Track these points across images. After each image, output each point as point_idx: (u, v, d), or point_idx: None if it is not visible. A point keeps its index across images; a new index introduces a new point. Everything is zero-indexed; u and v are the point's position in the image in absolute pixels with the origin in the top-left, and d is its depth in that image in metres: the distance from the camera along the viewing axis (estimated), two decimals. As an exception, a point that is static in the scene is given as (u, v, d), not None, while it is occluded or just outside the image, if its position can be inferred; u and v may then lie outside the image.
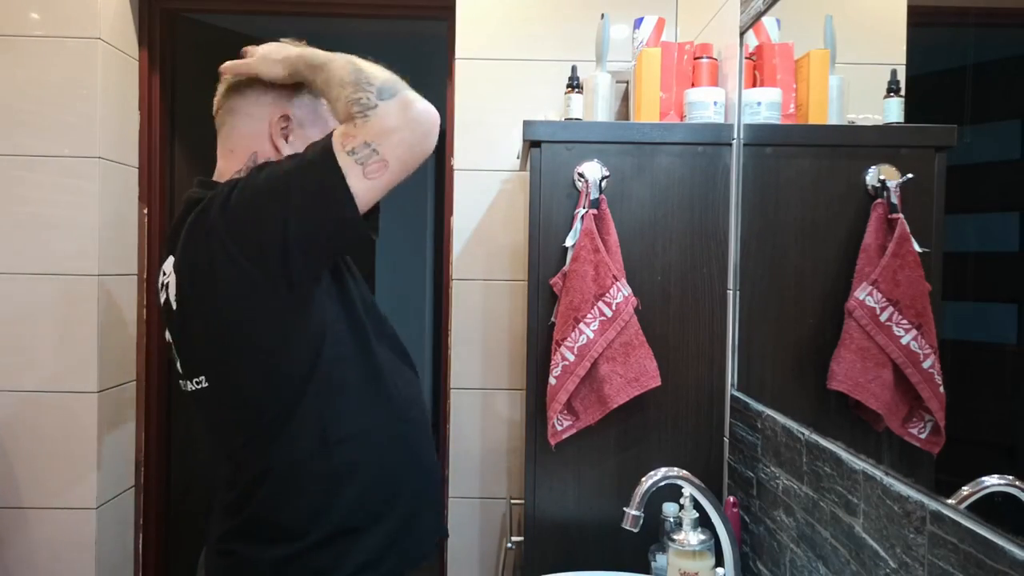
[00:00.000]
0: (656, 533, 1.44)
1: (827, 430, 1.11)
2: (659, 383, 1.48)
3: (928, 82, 0.96)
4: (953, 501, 0.81)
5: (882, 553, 0.92)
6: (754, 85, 1.45)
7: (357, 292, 1.24)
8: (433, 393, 3.62)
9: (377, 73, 1.10)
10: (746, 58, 1.48)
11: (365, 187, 1.05)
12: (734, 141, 1.52)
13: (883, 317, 1.01)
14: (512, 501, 1.92)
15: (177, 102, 2.32)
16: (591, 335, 1.45)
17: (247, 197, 1.08)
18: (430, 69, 3.29)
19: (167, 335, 1.24)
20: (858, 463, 1.00)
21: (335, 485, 1.15)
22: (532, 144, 1.54)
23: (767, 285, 1.40)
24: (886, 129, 1.04)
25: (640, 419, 1.53)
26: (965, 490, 0.80)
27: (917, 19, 0.96)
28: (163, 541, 2.31)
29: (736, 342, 1.50)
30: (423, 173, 3.60)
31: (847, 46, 1.20)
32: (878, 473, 0.95)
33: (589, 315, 1.45)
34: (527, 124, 1.54)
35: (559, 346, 1.46)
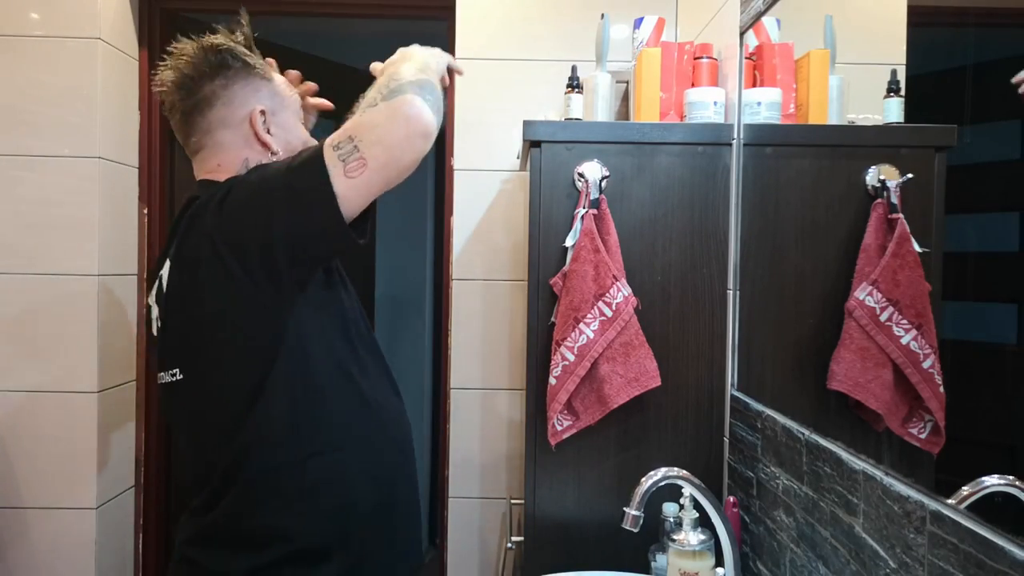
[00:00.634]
0: (656, 533, 1.44)
1: (827, 430, 1.11)
2: (659, 383, 1.48)
3: (928, 82, 0.96)
4: (953, 501, 0.81)
5: (882, 553, 0.92)
6: (754, 85, 1.45)
7: (348, 307, 1.23)
8: (433, 393, 3.62)
9: (406, 74, 1.13)
10: (746, 58, 1.48)
11: (347, 186, 1.04)
12: (734, 141, 1.52)
13: (883, 317, 1.01)
14: (512, 501, 1.92)
15: (177, 102, 2.32)
16: (591, 335, 1.45)
17: (240, 196, 1.09)
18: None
19: (153, 329, 1.22)
20: (858, 463, 1.00)
21: (303, 500, 1.12)
22: (532, 144, 1.54)
23: (767, 285, 1.40)
24: (886, 129, 1.04)
25: (640, 419, 1.53)
26: (965, 490, 0.80)
27: (917, 19, 0.96)
28: (163, 541, 2.31)
29: (736, 342, 1.50)
30: (423, 173, 3.60)
31: (847, 46, 1.20)
32: (878, 473, 0.95)
33: (589, 315, 1.45)
34: (527, 124, 1.54)
35: (559, 346, 1.46)
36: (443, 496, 2.14)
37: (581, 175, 1.51)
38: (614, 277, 1.45)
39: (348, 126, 1.07)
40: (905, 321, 0.98)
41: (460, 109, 2.08)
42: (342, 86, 2.83)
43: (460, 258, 2.09)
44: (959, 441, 0.88)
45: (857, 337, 1.05)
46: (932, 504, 0.83)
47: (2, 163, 1.97)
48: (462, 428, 2.10)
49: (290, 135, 1.27)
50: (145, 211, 2.20)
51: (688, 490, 1.29)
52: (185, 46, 1.22)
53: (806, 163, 1.30)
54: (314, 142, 1.25)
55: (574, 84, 1.63)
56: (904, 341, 0.97)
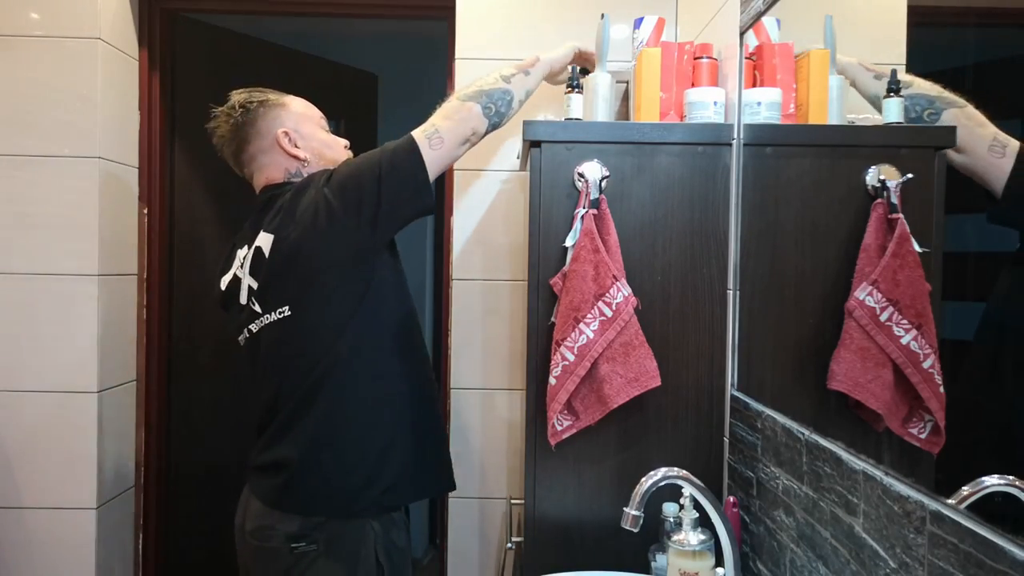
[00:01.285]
0: (656, 533, 1.44)
1: (827, 430, 1.11)
2: (659, 383, 1.48)
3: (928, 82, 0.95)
4: (953, 501, 0.81)
5: (882, 553, 0.92)
6: (754, 85, 1.45)
7: (406, 284, 1.60)
8: (433, 393, 3.61)
9: (491, 82, 1.58)
10: (746, 58, 1.48)
11: (431, 156, 1.47)
12: (734, 141, 1.52)
13: (883, 317, 1.01)
14: (512, 501, 1.92)
15: (177, 102, 2.32)
16: (591, 335, 1.45)
17: (348, 170, 1.47)
18: (430, 69, 3.29)
19: (246, 288, 1.53)
20: (858, 463, 1.00)
21: (378, 412, 1.47)
22: (532, 144, 1.55)
23: (767, 285, 1.40)
24: (886, 129, 1.04)
25: (640, 419, 1.53)
26: (965, 490, 0.80)
27: (917, 19, 0.96)
28: (163, 541, 2.31)
29: (736, 342, 1.50)
30: (423, 173, 3.60)
31: (847, 46, 1.20)
32: (878, 473, 0.95)
33: (589, 315, 1.45)
34: (527, 124, 1.54)
35: (559, 346, 1.46)
36: (443, 496, 2.14)
37: (581, 175, 1.51)
38: (614, 277, 1.45)
39: (434, 119, 1.53)
40: (905, 321, 0.98)
41: (460, 109, 2.08)
42: (341, 86, 2.85)
43: (460, 258, 2.09)
44: (959, 441, 0.88)
45: (857, 337, 1.05)
46: (932, 504, 0.83)
47: (2, 163, 1.97)
48: (462, 428, 2.10)
49: (313, 142, 1.60)
50: (145, 211, 2.20)
51: (688, 490, 1.29)
52: (219, 111, 1.60)
53: (806, 163, 1.30)
54: (336, 139, 1.65)
55: (574, 84, 1.63)
56: (904, 341, 0.97)
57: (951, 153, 0.88)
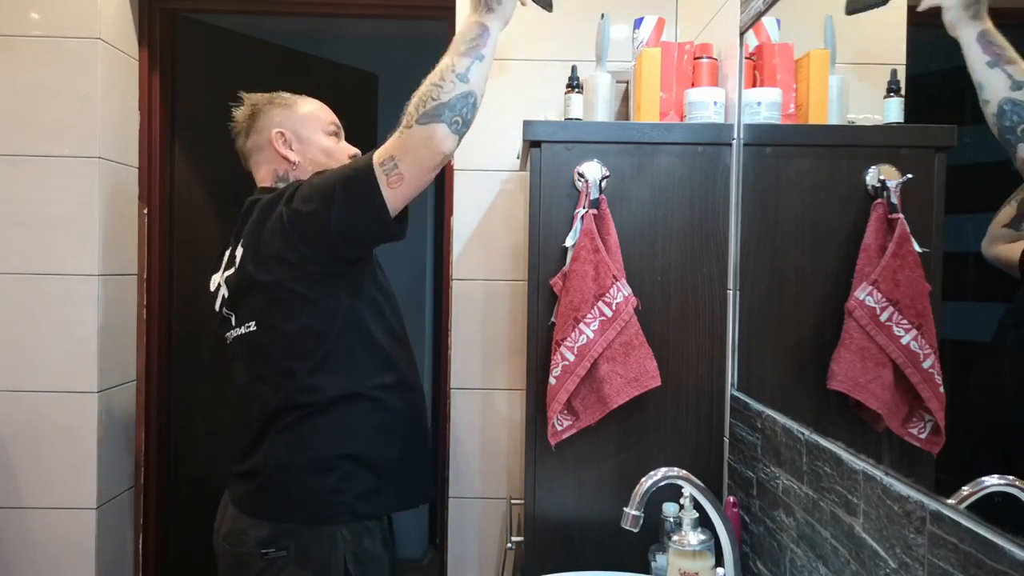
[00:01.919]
0: (656, 533, 1.44)
1: (827, 430, 1.11)
2: (659, 383, 1.48)
3: (928, 82, 0.96)
4: (953, 501, 0.81)
5: (882, 553, 0.92)
6: (754, 85, 1.45)
7: (385, 289, 1.56)
8: (433, 393, 3.62)
9: (448, 88, 1.33)
10: (746, 58, 1.48)
11: (391, 195, 1.33)
12: (734, 141, 1.52)
13: (883, 317, 1.01)
14: (512, 501, 1.92)
15: (177, 102, 2.32)
16: (591, 335, 1.45)
17: (304, 192, 1.38)
18: (430, 69, 3.29)
19: (221, 297, 1.53)
20: (858, 463, 1.00)
21: (350, 423, 1.44)
22: (532, 144, 1.54)
23: (767, 285, 1.40)
24: (886, 129, 1.04)
25: (640, 419, 1.53)
26: (965, 490, 0.80)
27: (917, 19, 0.96)
28: (163, 541, 2.31)
29: (736, 342, 1.50)
30: (423, 173, 3.60)
31: (847, 46, 1.20)
32: (878, 473, 0.95)
33: (589, 315, 1.45)
34: (527, 124, 1.54)
35: (559, 346, 1.46)
36: (443, 496, 2.14)
37: (581, 175, 1.51)
38: (614, 277, 1.45)
39: (390, 145, 1.33)
40: (905, 321, 0.98)
41: (460, 109, 2.08)
42: (341, 86, 2.84)
43: (460, 258, 2.09)
44: (959, 441, 0.88)
45: (857, 337, 1.05)
46: (932, 504, 0.83)
47: (2, 163, 1.97)
48: (462, 428, 2.10)
49: (309, 147, 1.54)
50: (145, 211, 2.20)
51: (688, 490, 1.28)
52: (243, 99, 1.59)
53: (806, 163, 1.30)
54: (340, 147, 1.59)
55: (574, 84, 1.63)
56: (904, 341, 0.97)
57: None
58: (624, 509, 1.21)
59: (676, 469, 1.25)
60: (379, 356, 1.47)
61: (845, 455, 1.03)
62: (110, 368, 2.06)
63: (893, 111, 1.01)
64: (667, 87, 1.60)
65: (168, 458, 2.33)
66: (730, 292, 1.52)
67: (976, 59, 0.81)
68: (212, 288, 1.57)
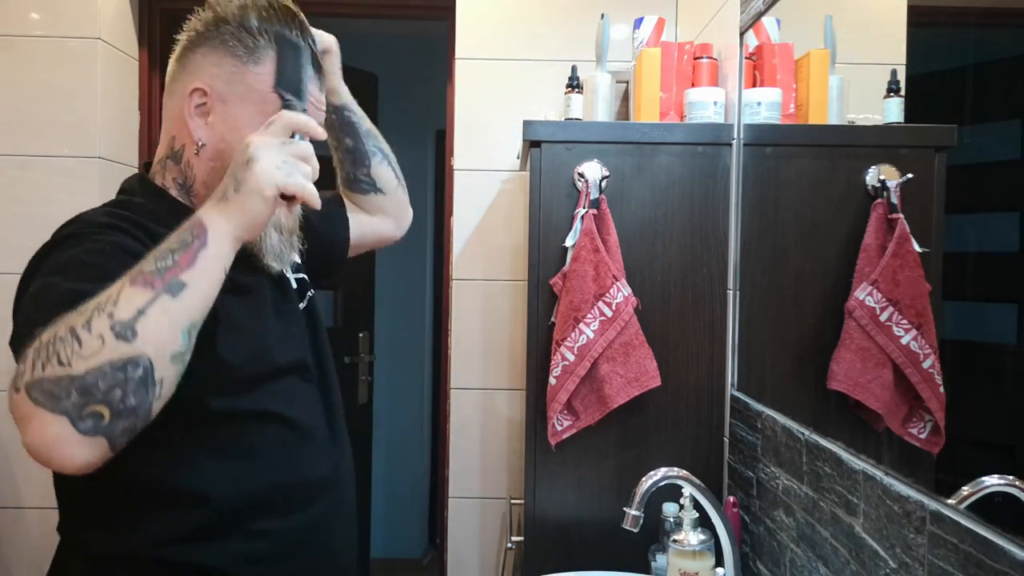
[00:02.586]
0: (656, 533, 1.44)
1: (827, 430, 1.11)
2: (659, 383, 1.48)
3: (928, 82, 0.96)
4: (953, 501, 0.81)
5: (882, 553, 0.92)
6: (754, 85, 1.45)
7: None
8: (433, 393, 3.62)
9: (91, 344, 0.74)
10: (746, 58, 1.48)
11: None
12: (734, 141, 1.52)
13: (883, 317, 1.01)
14: (512, 501, 1.92)
15: (177, 102, 2.32)
16: (591, 335, 1.45)
17: (18, 290, 0.97)
18: (430, 69, 3.29)
19: None
20: (858, 463, 1.00)
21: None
22: (532, 144, 1.54)
23: (767, 285, 1.40)
24: (886, 129, 1.04)
25: (640, 419, 1.53)
26: (965, 490, 0.80)
27: (917, 19, 0.96)
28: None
29: (736, 342, 1.50)
30: (423, 173, 3.61)
31: (847, 46, 1.20)
32: (878, 473, 0.95)
33: (589, 315, 1.45)
34: (527, 124, 1.54)
35: (559, 346, 1.46)
36: (443, 496, 2.14)
37: (581, 175, 1.51)
38: (614, 277, 1.45)
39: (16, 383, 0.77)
40: (905, 321, 0.98)
41: (460, 109, 2.08)
42: (342, 86, 2.83)
43: (460, 258, 2.09)
44: (959, 441, 0.88)
45: (857, 337, 1.05)
46: (932, 504, 0.83)
47: (2, 163, 1.97)
48: (462, 428, 2.09)
49: (230, 134, 0.96)
50: (145, 211, 2.20)
51: (688, 490, 1.28)
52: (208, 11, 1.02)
53: (806, 163, 1.30)
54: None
55: (574, 84, 1.63)
56: (904, 341, 0.97)
57: None
58: (624, 509, 1.21)
59: (676, 469, 1.25)
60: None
61: (845, 455, 1.03)
62: (110, 368, 2.05)
63: (893, 111, 1.01)
64: (667, 87, 1.60)
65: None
66: (730, 292, 1.52)
67: None
68: None
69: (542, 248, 1.54)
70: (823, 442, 1.10)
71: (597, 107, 1.63)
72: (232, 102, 0.96)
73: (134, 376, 0.73)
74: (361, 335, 2.80)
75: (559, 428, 1.48)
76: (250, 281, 0.98)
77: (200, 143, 0.96)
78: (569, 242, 1.49)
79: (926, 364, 0.94)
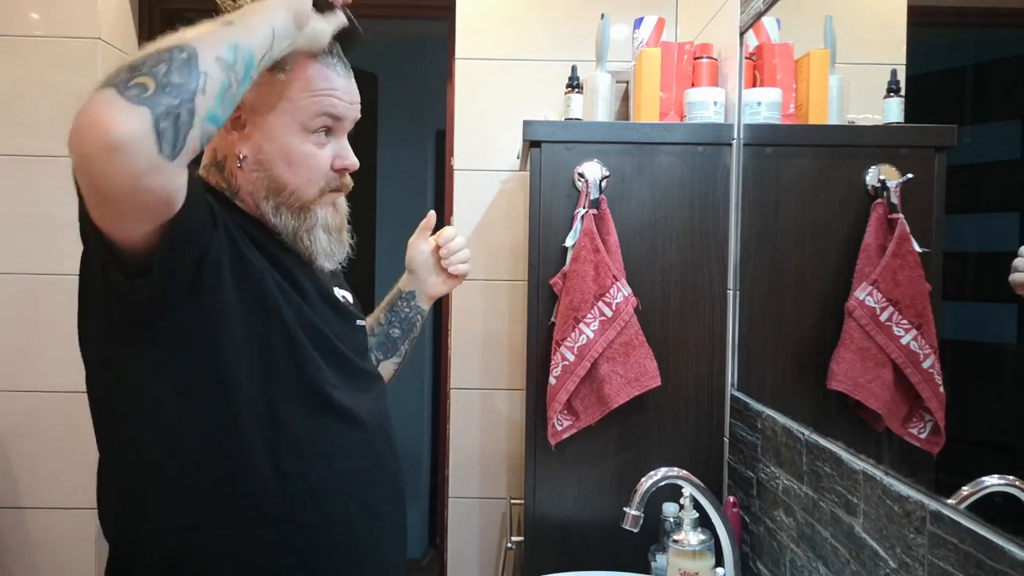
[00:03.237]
0: (656, 533, 1.44)
1: (827, 430, 1.11)
2: (659, 383, 1.48)
3: (928, 82, 0.96)
4: (953, 501, 0.81)
5: (882, 553, 0.92)
6: (754, 85, 1.45)
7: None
8: (433, 393, 3.62)
9: (157, 43, 0.79)
10: (746, 58, 1.48)
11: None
12: (734, 141, 1.52)
13: (883, 317, 1.01)
14: (512, 501, 1.92)
15: (177, 102, 2.32)
16: (591, 335, 1.45)
17: None
18: (430, 69, 3.29)
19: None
20: (858, 463, 1.00)
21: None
22: (532, 144, 1.54)
23: (767, 285, 1.40)
24: (886, 129, 1.04)
25: (640, 419, 1.53)
26: (965, 490, 0.80)
27: (917, 19, 0.96)
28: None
29: (736, 342, 1.50)
30: (423, 173, 3.60)
31: (847, 46, 1.20)
32: (878, 473, 0.95)
33: (589, 315, 1.45)
34: (527, 124, 1.54)
35: (559, 346, 1.46)
36: (443, 496, 2.14)
37: (581, 175, 1.51)
38: (614, 277, 1.45)
39: None
40: (905, 321, 0.98)
41: (460, 109, 2.08)
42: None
43: (460, 258, 2.09)
44: (959, 441, 0.88)
45: (857, 337, 1.05)
46: (932, 504, 0.83)
47: (2, 163, 1.97)
48: (462, 428, 2.09)
49: (268, 144, 0.95)
50: (145, 211, 2.20)
51: (688, 490, 1.28)
52: None
53: (806, 163, 1.30)
54: (310, 155, 0.97)
55: (574, 84, 1.63)
56: (904, 341, 0.97)
57: None
58: (624, 509, 1.21)
59: (676, 469, 1.25)
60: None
61: (845, 455, 1.03)
62: (110, 368, 2.05)
63: (893, 111, 1.01)
64: (667, 87, 1.60)
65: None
66: (730, 292, 1.52)
67: None
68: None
69: (542, 248, 1.54)
70: (823, 442, 1.10)
71: (597, 107, 1.63)
72: (264, 113, 0.95)
73: (179, 57, 0.76)
74: (361, 335, 2.80)
75: (559, 428, 1.48)
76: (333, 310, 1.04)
77: (241, 155, 0.96)
78: (569, 242, 1.49)
79: (926, 364, 0.94)
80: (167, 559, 0.90)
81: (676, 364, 1.53)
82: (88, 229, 0.88)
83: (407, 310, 1.31)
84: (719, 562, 1.31)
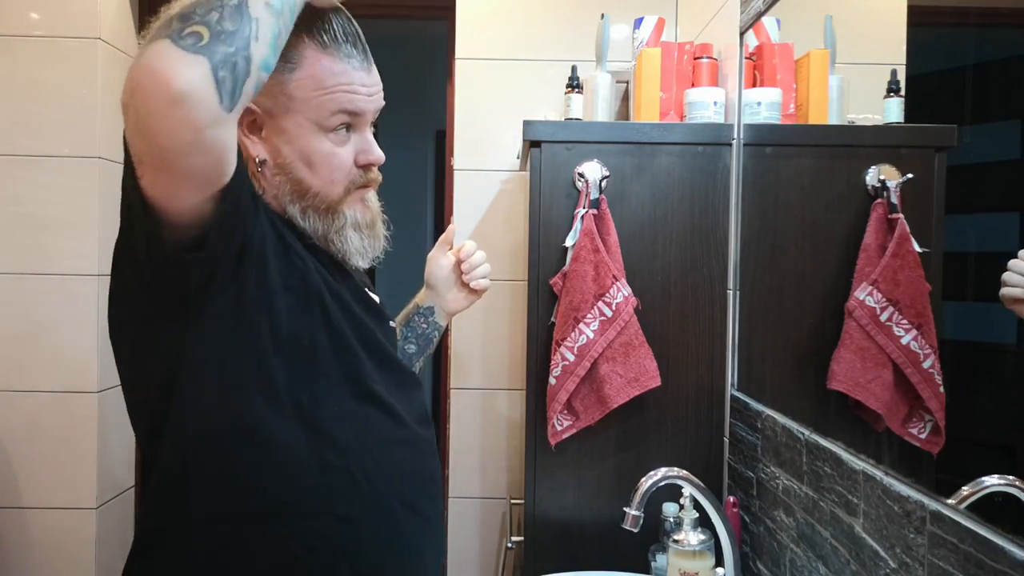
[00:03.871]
0: (656, 533, 1.44)
1: (827, 430, 1.11)
2: (659, 383, 1.48)
3: (928, 82, 0.96)
4: (953, 501, 0.81)
5: (882, 553, 0.92)
6: (754, 85, 1.45)
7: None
8: (433, 393, 3.62)
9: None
10: (746, 58, 1.48)
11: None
12: (734, 141, 1.52)
13: (883, 317, 1.01)
14: (512, 501, 1.92)
15: (177, 102, 2.32)
16: (591, 335, 1.45)
17: None
18: (430, 69, 3.29)
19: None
20: (858, 463, 1.00)
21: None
22: (532, 144, 1.54)
23: (767, 285, 1.40)
24: (886, 129, 1.04)
25: (640, 419, 1.53)
26: (965, 490, 0.80)
27: (917, 19, 0.96)
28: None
29: (736, 342, 1.50)
30: (423, 173, 3.61)
31: (847, 46, 1.20)
32: (878, 473, 0.95)
33: (589, 315, 1.45)
34: (527, 124, 1.54)
35: (559, 346, 1.46)
36: (443, 496, 2.14)
37: (581, 175, 1.51)
38: (614, 277, 1.45)
39: None
40: (905, 321, 0.98)
41: (460, 109, 2.08)
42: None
43: (460, 258, 2.09)
44: (959, 441, 0.88)
45: (857, 337, 1.05)
46: (932, 504, 0.83)
47: (2, 163, 1.97)
48: (462, 428, 2.09)
49: (286, 147, 0.92)
50: (145, 211, 2.20)
51: (688, 490, 1.29)
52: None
53: (806, 163, 1.30)
54: (337, 156, 0.94)
55: (574, 84, 1.63)
56: (904, 341, 0.97)
57: None
58: (624, 509, 1.21)
59: (676, 469, 1.25)
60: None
61: (845, 455, 1.03)
62: (110, 368, 2.05)
63: (893, 111, 1.01)
64: (667, 87, 1.60)
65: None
66: (730, 292, 1.52)
67: None
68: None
69: (542, 248, 1.54)
70: (823, 442, 1.10)
71: (597, 107, 1.63)
72: (280, 116, 0.91)
73: (229, 4, 0.73)
74: (361, 335, 2.80)
75: (559, 428, 1.48)
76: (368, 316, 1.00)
77: (259, 159, 0.92)
78: (569, 242, 1.49)
79: (926, 364, 0.94)
80: (205, 550, 0.87)
81: (676, 364, 1.53)
82: (134, 201, 0.81)
83: (424, 326, 1.29)
84: (719, 562, 1.31)
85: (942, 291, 0.92)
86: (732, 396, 1.50)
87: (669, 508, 1.42)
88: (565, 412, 1.48)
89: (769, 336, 1.39)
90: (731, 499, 1.43)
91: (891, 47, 1.01)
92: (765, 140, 1.42)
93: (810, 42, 1.29)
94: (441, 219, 3.01)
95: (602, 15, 1.67)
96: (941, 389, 0.91)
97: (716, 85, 1.58)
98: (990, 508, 0.77)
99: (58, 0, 1.97)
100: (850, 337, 1.07)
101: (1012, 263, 0.76)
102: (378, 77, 0.97)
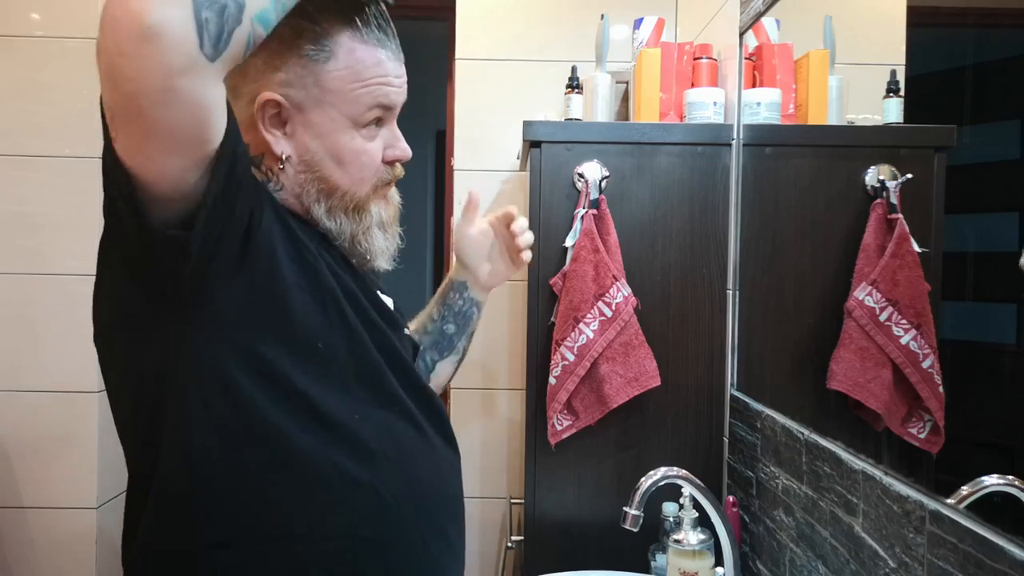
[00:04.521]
0: (656, 533, 1.44)
1: (827, 430, 1.11)
2: (659, 383, 1.48)
3: (928, 82, 0.96)
4: (953, 501, 0.81)
5: (881, 553, 0.92)
6: (754, 85, 1.45)
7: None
8: (433, 393, 3.62)
9: None
10: (746, 58, 1.48)
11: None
12: (734, 141, 1.52)
13: (882, 317, 1.01)
14: (512, 501, 1.92)
15: (177, 102, 2.32)
16: (591, 335, 1.45)
17: None
18: (430, 69, 3.29)
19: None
20: (858, 463, 1.00)
21: None
22: (532, 144, 1.55)
23: (767, 285, 1.40)
24: (886, 129, 1.04)
25: (640, 419, 1.53)
26: (965, 490, 0.80)
27: (917, 19, 0.96)
28: (163, 541, 2.31)
29: (736, 342, 1.50)
30: (423, 173, 3.61)
31: (847, 46, 1.20)
32: (878, 473, 0.95)
33: (589, 315, 1.45)
34: (527, 124, 1.54)
35: (559, 346, 1.46)
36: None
37: (581, 175, 1.51)
38: (614, 277, 1.45)
39: None
40: (904, 321, 0.98)
41: (460, 109, 2.08)
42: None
43: (460, 258, 2.09)
44: (959, 441, 0.88)
45: (856, 337, 1.05)
46: (932, 504, 0.83)
47: (2, 163, 1.97)
48: (462, 428, 2.09)
49: (314, 142, 0.86)
50: (145, 211, 2.20)
51: (688, 490, 1.29)
52: None
53: (805, 163, 1.31)
54: (367, 151, 0.89)
55: (574, 84, 1.64)
56: (903, 341, 0.97)
57: None
58: (624, 509, 1.21)
59: (676, 469, 1.25)
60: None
61: (845, 455, 1.03)
62: (110, 368, 2.05)
63: (893, 111, 1.01)
64: (667, 87, 1.60)
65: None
66: (730, 292, 1.52)
67: None
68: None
69: (542, 248, 1.54)
70: (823, 442, 1.10)
71: (597, 107, 1.63)
72: (310, 109, 0.84)
73: None
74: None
75: (559, 428, 1.48)
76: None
77: (283, 155, 0.85)
78: (569, 242, 1.49)
79: (925, 364, 0.94)
80: (217, 574, 0.80)
81: (676, 364, 1.53)
82: (116, 173, 0.69)
83: (460, 302, 1.21)
84: (719, 562, 1.31)
85: (941, 291, 0.92)
86: (732, 396, 1.50)
87: (669, 508, 1.42)
88: (565, 412, 1.48)
89: (769, 336, 1.39)
90: (731, 499, 1.43)
91: (890, 47, 1.01)
92: (765, 140, 1.42)
93: (810, 42, 1.29)
94: (441, 219, 3.01)
95: (602, 15, 1.67)
96: (940, 389, 0.91)
97: (716, 85, 1.59)
98: (989, 508, 0.77)
99: (58, 0, 1.97)
100: (849, 337, 1.07)
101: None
102: (404, 76, 0.93)
